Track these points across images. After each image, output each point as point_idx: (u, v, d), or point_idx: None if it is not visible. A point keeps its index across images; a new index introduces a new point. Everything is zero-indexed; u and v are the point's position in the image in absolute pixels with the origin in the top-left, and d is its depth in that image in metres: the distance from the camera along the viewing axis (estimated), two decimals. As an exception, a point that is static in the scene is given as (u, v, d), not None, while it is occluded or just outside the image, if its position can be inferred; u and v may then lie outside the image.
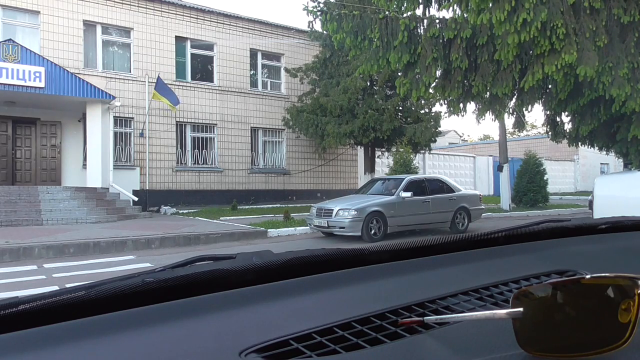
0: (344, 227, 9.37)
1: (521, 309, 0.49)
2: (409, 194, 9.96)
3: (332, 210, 9.61)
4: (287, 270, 0.77)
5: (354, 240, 9.30)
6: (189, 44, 17.16)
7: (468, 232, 10.37)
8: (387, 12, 9.37)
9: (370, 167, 17.93)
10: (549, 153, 29.09)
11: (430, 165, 24.33)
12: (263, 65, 19.01)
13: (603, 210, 6.07)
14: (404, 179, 10.49)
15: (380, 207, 9.63)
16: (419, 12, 9.85)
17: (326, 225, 9.63)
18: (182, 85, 16.58)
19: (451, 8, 9.27)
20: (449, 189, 11.02)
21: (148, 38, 16.20)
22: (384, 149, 18.40)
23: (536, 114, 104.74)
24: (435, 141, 17.77)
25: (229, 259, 0.85)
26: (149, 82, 15.66)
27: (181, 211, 14.70)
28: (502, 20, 7.71)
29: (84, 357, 0.53)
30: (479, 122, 12.25)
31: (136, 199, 14.14)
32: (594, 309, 0.46)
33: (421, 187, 10.44)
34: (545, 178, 17.53)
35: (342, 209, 9.52)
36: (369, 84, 16.41)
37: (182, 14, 16.98)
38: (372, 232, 9.44)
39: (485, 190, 26.30)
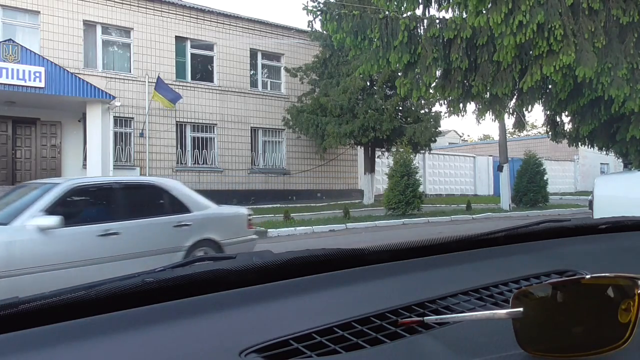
0: None
1: (521, 309, 0.49)
2: (54, 220, 4.37)
3: None
4: (287, 270, 0.77)
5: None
6: (189, 44, 17.15)
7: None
8: (387, 12, 9.37)
9: (370, 167, 17.93)
10: (549, 153, 29.06)
11: (430, 165, 24.31)
12: (263, 65, 19.00)
13: (603, 210, 6.06)
14: (54, 186, 4.81)
15: None
16: (418, 12, 9.86)
17: None
18: (182, 85, 16.57)
19: (450, 9, 9.28)
20: (176, 205, 5.50)
21: (148, 38, 16.19)
22: (384, 149, 18.40)
23: (536, 114, 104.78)
24: (435, 141, 17.77)
25: (229, 259, 0.86)
26: (149, 82, 15.65)
27: (181, 211, 14.66)
28: (499, 22, 7.71)
29: (83, 357, 0.53)
30: (479, 122, 12.26)
31: (136, 199, 14.12)
32: (594, 309, 0.46)
33: (102, 203, 5.34)
34: (545, 178, 17.54)
35: None
36: (368, 84, 16.41)
37: (182, 14, 16.97)
38: None
39: (486, 190, 26.28)
